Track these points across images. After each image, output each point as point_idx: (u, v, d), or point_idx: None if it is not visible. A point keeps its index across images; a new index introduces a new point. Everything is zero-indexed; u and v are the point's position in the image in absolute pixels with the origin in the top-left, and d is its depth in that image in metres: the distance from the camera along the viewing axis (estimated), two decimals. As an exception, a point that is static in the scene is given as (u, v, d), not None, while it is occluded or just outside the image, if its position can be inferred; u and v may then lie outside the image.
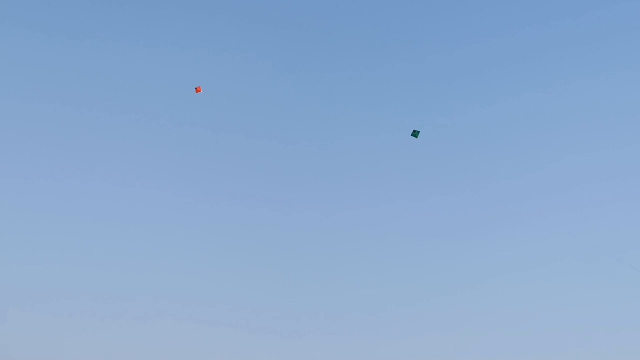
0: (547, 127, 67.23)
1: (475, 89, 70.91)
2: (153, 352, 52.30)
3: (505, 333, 54.31)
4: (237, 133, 69.01)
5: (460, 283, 58.00)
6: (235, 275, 59.28)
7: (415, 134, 43.76)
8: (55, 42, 70.03)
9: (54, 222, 61.35)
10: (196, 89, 48.57)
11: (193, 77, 69.51)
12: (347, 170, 67.38)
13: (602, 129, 67.00)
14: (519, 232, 60.65)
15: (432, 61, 72.35)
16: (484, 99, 70.07)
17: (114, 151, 66.45)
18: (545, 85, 69.29)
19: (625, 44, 69.30)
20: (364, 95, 70.11)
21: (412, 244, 61.61)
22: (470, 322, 55.27)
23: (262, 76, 71.80)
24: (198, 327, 54.88)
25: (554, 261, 58.66)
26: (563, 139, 66.76)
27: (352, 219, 63.75)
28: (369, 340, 54.85)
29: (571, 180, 63.90)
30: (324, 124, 70.27)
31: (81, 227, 61.00)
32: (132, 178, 65.15)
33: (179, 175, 66.05)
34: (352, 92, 70.81)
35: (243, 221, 63.49)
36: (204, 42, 72.22)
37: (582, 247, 56.69)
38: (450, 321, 55.44)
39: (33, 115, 66.85)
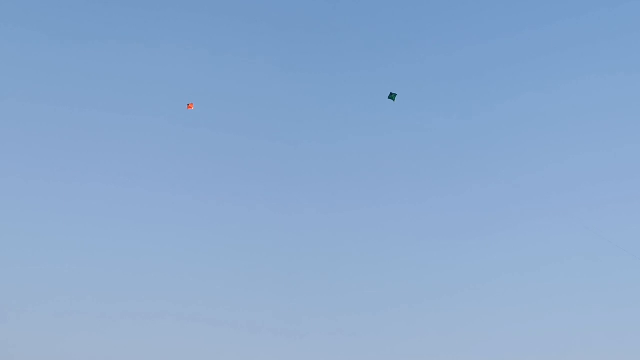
0: (548, 127, 67.26)
1: (476, 89, 70.94)
2: (153, 352, 52.33)
3: (506, 333, 54.35)
4: (237, 133, 69.03)
5: (461, 283, 58.05)
6: (236, 275, 59.33)
7: (392, 96, 42.72)
8: (54, 42, 70.14)
9: (55, 222, 61.44)
10: (188, 105, 48.75)
11: (195, 77, 69.70)
12: (347, 170, 67.41)
13: (602, 130, 67.07)
14: (520, 232, 60.75)
15: (433, 62, 72.38)
16: (485, 99, 70.09)
17: (115, 151, 66.52)
18: (545, 85, 69.35)
19: (627, 45, 69.38)
20: (364, 96, 70.13)
21: (412, 244, 61.64)
22: (471, 322, 55.29)
23: (263, 77, 71.82)
24: (198, 327, 54.92)
25: (555, 261, 58.77)
26: (563, 139, 66.83)
27: (353, 219, 63.79)
28: (369, 341, 54.88)
29: (572, 180, 64.02)
30: (324, 124, 70.31)
31: (82, 227, 61.05)
32: (134, 178, 65.22)
33: (180, 176, 66.08)
34: (353, 93, 70.84)
35: (244, 221, 63.53)
36: (205, 43, 72.29)
37: (583, 247, 56.74)
38: (450, 321, 55.47)
39: (33, 115, 66.95)
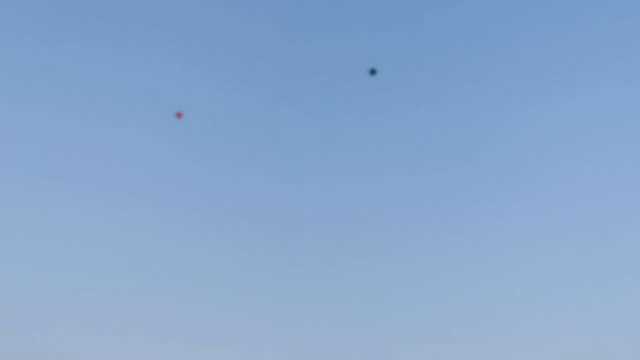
0: (555, 134, 67.46)
1: (484, 92, 71.01)
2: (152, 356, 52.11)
3: (511, 339, 54.14)
4: (236, 148, 69.18)
5: (469, 297, 57.85)
6: (238, 284, 59.21)
7: (373, 72, 41.76)
8: (41, 43, 70.37)
9: (53, 224, 61.44)
10: (178, 114, 48.21)
11: (199, 90, 69.77)
12: (347, 176, 67.51)
13: (616, 135, 67.18)
14: (533, 248, 60.65)
15: (438, 67, 72.46)
16: (492, 104, 70.16)
17: (115, 160, 66.63)
18: (557, 89, 69.54)
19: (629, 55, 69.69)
20: (365, 103, 70.15)
21: (419, 253, 61.60)
22: (472, 328, 55.10)
23: (264, 89, 71.88)
24: (198, 338, 54.85)
25: (569, 277, 58.65)
26: (576, 147, 66.91)
27: (353, 223, 63.84)
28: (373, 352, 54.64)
29: (589, 190, 64.08)
30: (327, 133, 70.35)
31: (81, 230, 61.06)
32: (137, 187, 65.31)
33: (177, 186, 66.16)
34: (353, 100, 70.81)
35: (247, 232, 63.53)
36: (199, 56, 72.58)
37: (600, 262, 56.35)
38: (460, 333, 55.22)
39: (28, 117, 67.11)
